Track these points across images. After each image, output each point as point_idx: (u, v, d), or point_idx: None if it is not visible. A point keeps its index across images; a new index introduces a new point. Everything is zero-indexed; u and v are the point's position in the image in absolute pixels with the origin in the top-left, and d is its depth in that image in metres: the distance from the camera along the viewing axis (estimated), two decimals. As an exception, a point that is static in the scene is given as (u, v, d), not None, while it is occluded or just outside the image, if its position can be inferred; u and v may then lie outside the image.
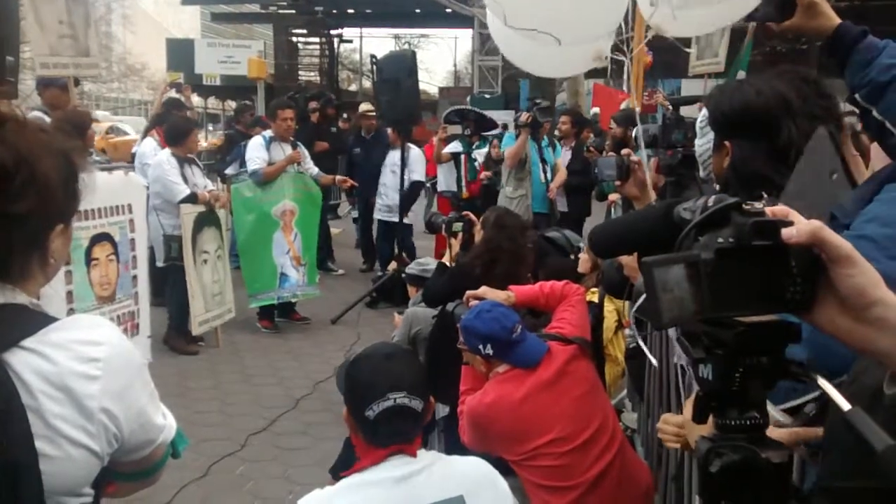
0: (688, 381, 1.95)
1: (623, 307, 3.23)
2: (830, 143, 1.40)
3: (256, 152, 6.04)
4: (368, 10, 24.92)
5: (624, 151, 2.35)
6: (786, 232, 0.70)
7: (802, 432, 1.18)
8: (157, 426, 1.15)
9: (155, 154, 5.84)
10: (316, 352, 5.76)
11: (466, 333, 2.49)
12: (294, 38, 24.04)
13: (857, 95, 1.48)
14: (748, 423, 0.77)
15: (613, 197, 5.43)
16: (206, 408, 4.59)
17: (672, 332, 1.76)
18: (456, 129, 7.70)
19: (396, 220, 7.32)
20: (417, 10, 23.96)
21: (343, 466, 2.68)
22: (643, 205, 2.32)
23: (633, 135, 3.38)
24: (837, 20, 1.55)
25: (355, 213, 9.18)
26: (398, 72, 6.89)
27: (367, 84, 27.07)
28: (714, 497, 0.77)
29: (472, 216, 3.81)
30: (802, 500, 0.97)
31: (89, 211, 4.04)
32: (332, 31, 23.72)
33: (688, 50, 6.46)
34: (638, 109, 3.79)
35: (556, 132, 7.19)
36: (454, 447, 2.63)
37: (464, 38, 28.79)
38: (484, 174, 7.07)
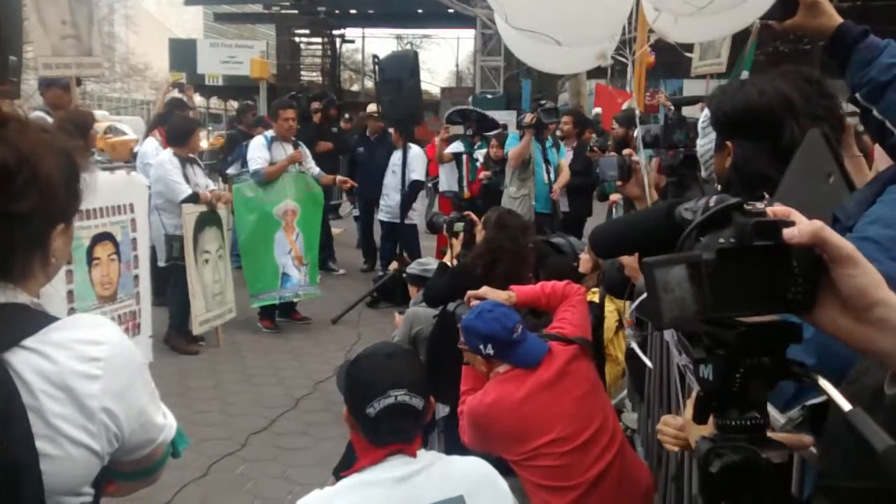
0: (688, 381, 1.94)
1: (624, 307, 3.22)
2: (825, 144, 1.39)
3: (258, 152, 6.04)
4: (371, 11, 24.93)
5: (625, 152, 2.35)
6: (787, 232, 0.70)
7: (785, 438, 1.18)
8: (157, 426, 1.15)
9: (157, 154, 5.85)
10: (317, 352, 5.76)
11: (467, 333, 2.49)
12: (296, 39, 24.06)
13: (857, 95, 1.48)
14: (749, 423, 0.77)
15: (615, 197, 5.42)
16: (206, 407, 4.60)
17: (668, 335, 1.76)
18: (458, 130, 7.71)
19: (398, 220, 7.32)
20: (420, 11, 23.97)
21: (346, 467, 2.69)
22: (644, 205, 2.32)
23: (635, 135, 3.37)
24: (839, 19, 1.55)
25: (356, 212, 9.18)
26: (400, 72, 6.89)
27: (370, 84, 27.12)
28: (714, 497, 0.76)
29: (474, 216, 3.82)
30: None
31: (91, 210, 4.04)
32: (335, 32, 23.74)
33: (689, 55, 6.46)
34: (639, 111, 3.79)
35: (558, 132, 7.19)
36: (454, 447, 2.63)
37: (466, 39, 28.80)
38: (483, 174, 7.07)
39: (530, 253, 3.23)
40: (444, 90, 26.46)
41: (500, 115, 9.77)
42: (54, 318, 1.05)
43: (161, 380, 1.18)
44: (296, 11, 23.46)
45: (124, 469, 1.14)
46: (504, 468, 2.10)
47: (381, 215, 7.59)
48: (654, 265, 0.70)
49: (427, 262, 3.97)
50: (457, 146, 7.51)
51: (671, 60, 8.56)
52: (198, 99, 15.62)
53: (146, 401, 1.12)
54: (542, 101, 6.63)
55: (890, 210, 1.22)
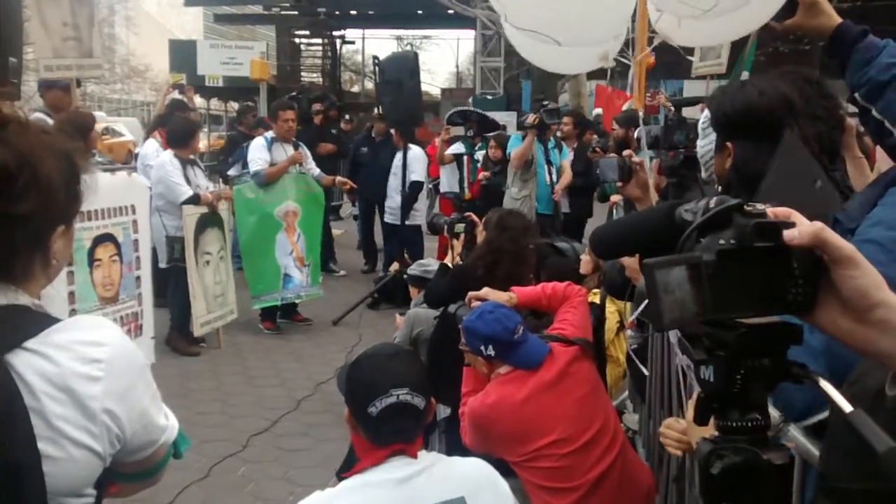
0: (689, 382, 1.94)
1: (625, 308, 3.22)
2: (803, 148, 1.39)
3: (258, 153, 6.04)
4: (371, 12, 24.93)
5: (626, 153, 2.35)
6: (788, 233, 0.70)
7: None
8: (159, 427, 1.16)
9: (157, 155, 5.85)
10: (318, 353, 5.76)
11: (468, 334, 2.49)
12: (296, 40, 24.05)
13: (856, 94, 1.48)
14: (749, 424, 0.77)
15: (615, 198, 5.41)
16: (207, 409, 4.60)
17: (673, 335, 1.76)
18: (459, 131, 7.71)
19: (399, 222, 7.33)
20: (420, 12, 23.96)
21: (349, 468, 2.69)
22: (645, 206, 2.31)
23: (636, 136, 3.38)
24: (838, 19, 1.55)
25: (355, 211, 9.17)
26: (400, 73, 6.89)
27: (370, 85, 27.13)
28: (715, 499, 0.76)
29: (475, 217, 3.82)
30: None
31: (92, 212, 4.04)
32: (335, 33, 23.74)
33: (690, 58, 6.47)
34: (641, 113, 3.80)
35: (558, 133, 7.19)
36: (455, 448, 2.63)
37: (466, 40, 28.82)
38: (482, 175, 7.07)
39: (531, 254, 3.23)
40: (444, 91, 26.46)
41: (500, 116, 9.77)
42: (56, 320, 1.05)
43: (162, 381, 1.18)
44: (296, 12, 23.46)
45: (126, 470, 1.14)
46: (505, 469, 2.10)
47: (386, 217, 7.60)
48: (654, 266, 0.70)
49: (428, 264, 3.98)
50: (458, 147, 7.51)
51: (671, 61, 8.56)
52: (198, 100, 15.61)
53: (148, 402, 1.12)
54: (545, 102, 6.62)
55: (892, 212, 1.22)
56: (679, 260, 0.71)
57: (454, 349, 2.62)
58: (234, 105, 18.49)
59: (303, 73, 24.01)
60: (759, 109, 1.55)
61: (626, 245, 1.05)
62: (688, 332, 0.78)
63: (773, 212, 0.73)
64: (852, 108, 1.61)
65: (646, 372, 2.43)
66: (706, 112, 1.88)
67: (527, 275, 3.15)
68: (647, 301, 0.72)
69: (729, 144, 1.63)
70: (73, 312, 3.81)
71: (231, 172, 7.46)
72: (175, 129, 5.76)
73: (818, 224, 0.71)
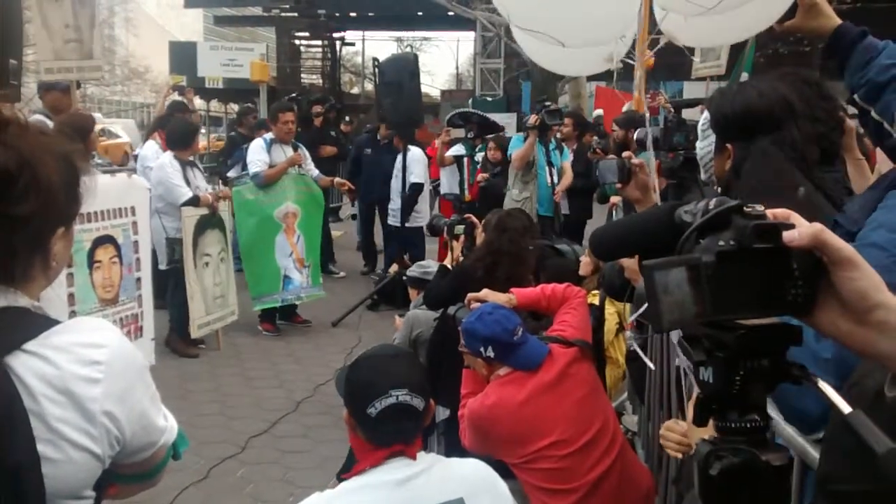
0: (688, 383, 1.94)
1: (624, 310, 3.23)
2: (778, 155, 1.39)
3: (257, 155, 6.04)
4: (371, 14, 24.97)
5: (625, 154, 2.35)
6: (787, 235, 0.70)
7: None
8: (158, 428, 1.15)
9: (157, 157, 5.85)
10: (317, 354, 5.76)
11: (468, 336, 2.49)
12: (296, 41, 24.07)
13: (855, 96, 1.48)
14: (749, 425, 0.77)
15: (615, 199, 5.42)
16: (206, 410, 4.59)
17: (674, 336, 1.76)
18: (459, 133, 7.70)
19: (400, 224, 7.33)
20: (419, 13, 23.99)
21: (349, 469, 2.69)
22: (645, 207, 2.31)
23: (636, 137, 3.37)
24: (838, 21, 1.55)
25: (354, 211, 9.16)
26: (400, 74, 6.88)
27: (370, 87, 27.14)
28: (714, 500, 0.76)
29: (474, 219, 3.82)
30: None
31: (92, 213, 4.04)
32: (335, 34, 23.76)
33: (694, 59, 6.47)
34: (647, 114, 3.79)
35: (558, 134, 7.19)
36: (454, 450, 2.63)
37: (466, 41, 28.89)
38: (481, 176, 7.06)
39: (531, 255, 3.23)
40: (444, 92, 26.51)
41: (499, 118, 9.77)
42: (55, 322, 1.05)
43: (161, 382, 1.18)
44: (296, 14, 23.49)
45: (125, 472, 1.14)
46: (504, 471, 2.10)
47: (390, 219, 7.61)
48: (653, 268, 0.70)
49: (427, 265, 3.98)
50: (458, 149, 7.50)
51: (672, 62, 8.57)
52: (198, 102, 15.62)
53: (147, 403, 1.12)
54: (547, 103, 6.60)
55: (893, 216, 1.22)
56: (678, 261, 0.71)
57: (453, 351, 2.62)
58: (234, 107, 18.50)
59: (303, 75, 24.04)
60: (758, 111, 1.56)
61: (626, 246, 1.05)
62: (687, 333, 0.78)
63: (773, 213, 0.73)
64: (853, 110, 1.61)
65: (651, 366, 2.42)
66: (706, 114, 1.88)
67: (526, 276, 3.15)
68: (646, 303, 0.72)
69: (728, 146, 1.63)
70: (72, 314, 3.81)
71: (230, 174, 7.46)
72: (175, 130, 5.75)
73: (818, 225, 0.71)
